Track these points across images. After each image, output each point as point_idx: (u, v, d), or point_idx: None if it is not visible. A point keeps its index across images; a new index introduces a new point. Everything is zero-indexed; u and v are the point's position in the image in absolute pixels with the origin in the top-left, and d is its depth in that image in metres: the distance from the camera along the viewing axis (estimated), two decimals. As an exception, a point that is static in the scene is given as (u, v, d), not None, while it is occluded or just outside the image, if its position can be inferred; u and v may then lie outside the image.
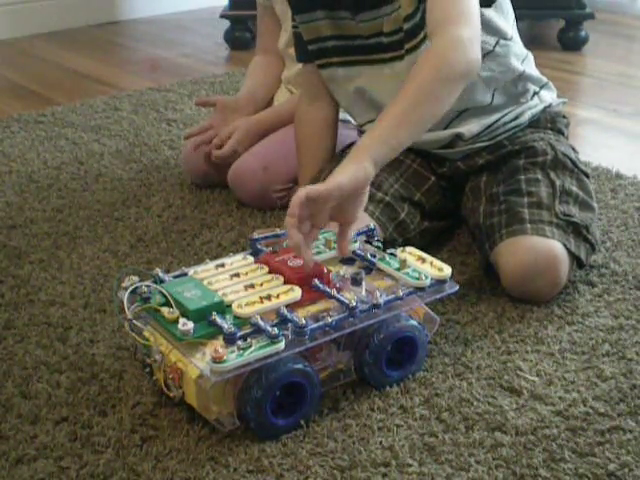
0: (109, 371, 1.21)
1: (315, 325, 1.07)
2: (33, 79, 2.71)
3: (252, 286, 1.14)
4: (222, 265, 1.21)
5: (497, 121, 1.47)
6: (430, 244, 1.49)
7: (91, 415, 1.12)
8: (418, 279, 1.16)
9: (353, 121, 1.67)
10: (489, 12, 1.40)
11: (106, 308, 1.38)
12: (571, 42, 2.87)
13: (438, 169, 1.53)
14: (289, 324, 1.07)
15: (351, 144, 1.58)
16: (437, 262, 1.20)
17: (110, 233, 1.64)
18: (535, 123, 1.51)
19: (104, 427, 1.10)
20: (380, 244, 1.27)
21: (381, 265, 1.21)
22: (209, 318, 1.07)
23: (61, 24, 3.29)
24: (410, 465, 1.02)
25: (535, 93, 1.51)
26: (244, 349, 1.02)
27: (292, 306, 1.10)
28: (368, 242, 1.28)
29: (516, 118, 1.49)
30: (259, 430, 1.07)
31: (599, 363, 1.21)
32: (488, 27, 1.40)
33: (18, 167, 1.96)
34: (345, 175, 1.13)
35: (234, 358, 1.01)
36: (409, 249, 1.24)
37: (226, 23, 3.03)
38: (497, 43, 1.43)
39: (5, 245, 1.60)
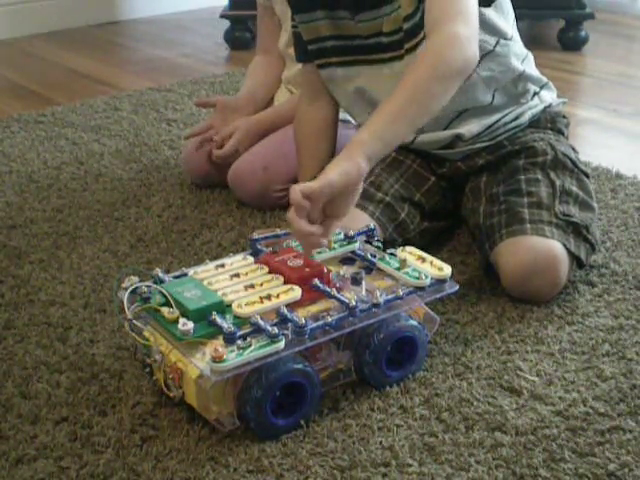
0: (109, 371, 1.21)
1: (315, 325, 1.07)
2: (33, 79, 2.71)
3: (252, 286, 1.14)
4: (222, 265, 1.21)
5: (497, 121, 1.47)
6: (430, 244, 1.49)
7: (91, 415, 1.12)
8: (418, 279, 1.16)
9: (353, 121, 1.67)
10: (489, 12, 1.40)
11: (106, 308, 1.38)
12: (571, 42, 2.87)
13: (438, 169, 1.53)
14: (289, 324, 1.06)
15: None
16: (437, 262, 1.20)
17: (110, 233, 1.64)
18: (535, 123, 1.51)
19: (104, 427, 1.10)
20: (380, 244, 1.27)
21: (381, 265, 1.21)
22: (209, 318, 1.07)
23: (61, 24, 3.29)
24: (410, 465, 1.02)
25: (535, 93, 1.51)
26: (244, 348, 1.02)
27: (292, 306, 1.10)
28: (368, 242, 1.28)
29: (516, 118, 1.49)
30: (259, 430, 1.07)
31: (599, 363, 1.21)
32: (488, 27, 1.40)
33: (18, 167, 1.96)
34: (336, 172, 1.12)
35: (234, 357, 1.01)
36: (409, 249, 1.24)
37: (226, 23, 3.03)
38: (497, 43, 1.43)
39: (5, 245, 1.60)
